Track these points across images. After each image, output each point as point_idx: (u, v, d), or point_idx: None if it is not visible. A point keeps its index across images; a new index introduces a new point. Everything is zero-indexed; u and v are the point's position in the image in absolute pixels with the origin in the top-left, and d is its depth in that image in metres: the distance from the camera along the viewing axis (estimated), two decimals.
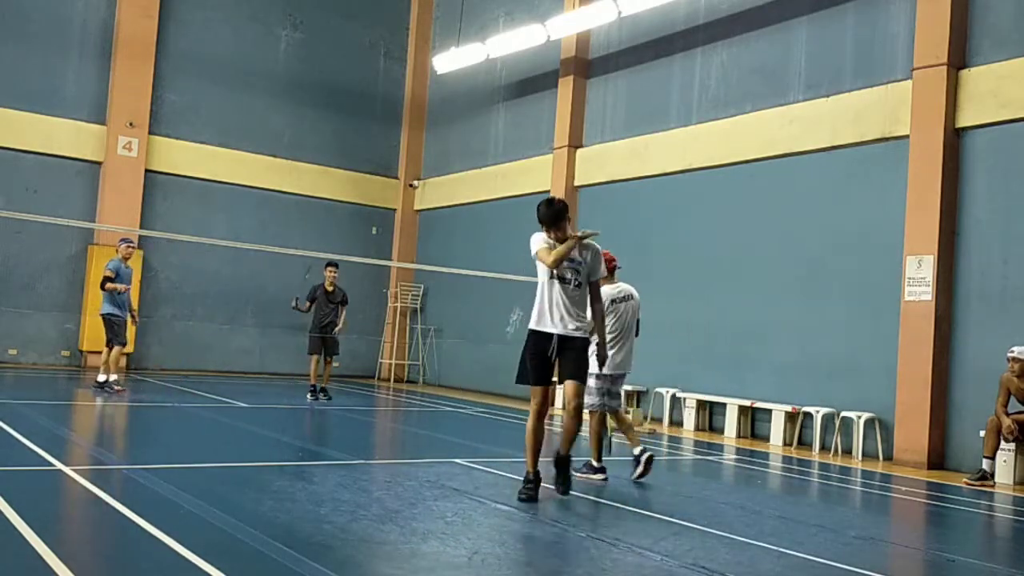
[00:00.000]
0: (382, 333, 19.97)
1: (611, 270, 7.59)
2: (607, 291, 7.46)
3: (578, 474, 7.44)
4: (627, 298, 7.60)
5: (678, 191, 14.00)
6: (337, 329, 13.07)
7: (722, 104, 13.49)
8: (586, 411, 7.49)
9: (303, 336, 14.06)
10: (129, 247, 11.80)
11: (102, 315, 11.71)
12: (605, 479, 7.45)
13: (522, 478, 6.37)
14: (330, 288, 13.09)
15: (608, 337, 7.28)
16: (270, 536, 4.65)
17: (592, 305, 6.57)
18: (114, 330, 11.68)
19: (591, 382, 7.46)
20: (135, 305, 12.69)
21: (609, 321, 7.37)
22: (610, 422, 7.93)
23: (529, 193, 16.97)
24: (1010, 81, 10.02)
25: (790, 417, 11.58)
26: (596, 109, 15.87)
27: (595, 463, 7.56)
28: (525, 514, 5.89)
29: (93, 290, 15.62)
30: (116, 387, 11.58)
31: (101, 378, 11.92)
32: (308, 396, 13.05)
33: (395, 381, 19.47)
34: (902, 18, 11.24)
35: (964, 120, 10.36)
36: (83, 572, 3.88)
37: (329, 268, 13.19)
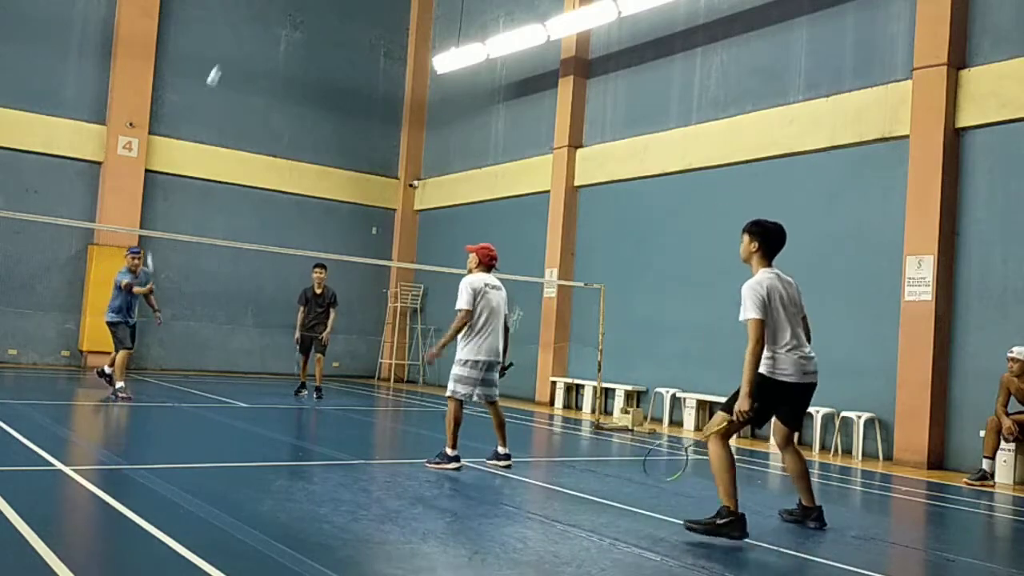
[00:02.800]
0: (382, 333, 19.97)
1: (489, 264, 7.80)
2: (483, 278, 7.68)
3: (430, 464, 7.56)
4: (498, 288, 7.79)
5: (678, 191, 13.99)
6: (325, 334, 12.98)
7: (722, 104, 13.48)
8: (449, 395, 7.61)
9: None
10: (135, 257, 11.75)
11: (107, 323, 11.61)
12: (459, 468, 7.52)
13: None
14: (318, 290, 13.04)
15: (479, 323, 7.53)
16: (270, 536, 4.66)
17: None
18: (118, 336, 11.61)
19: (465, 371, 7.54)
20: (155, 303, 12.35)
21: (480, 305, 7.56)
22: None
23: (529, 193, 17.00)
24: (1010, 81, 10.02)
25: None
26: (596, 109, 15.87)
27: (449, 451, 7.59)
28: (524, 514, 5.89)
29: (93, 290, 15.65)
30: (121, 394, 11.45)
31: (107, 369, 11.74)
32: (294, 393, 13.24)
33: (395, 381, 19.47)
34: (902, 18, 11.24)
35: (964, 120, 10.36)
36: (83, 572, 3.88)
37: (317, 269, 13.07)
